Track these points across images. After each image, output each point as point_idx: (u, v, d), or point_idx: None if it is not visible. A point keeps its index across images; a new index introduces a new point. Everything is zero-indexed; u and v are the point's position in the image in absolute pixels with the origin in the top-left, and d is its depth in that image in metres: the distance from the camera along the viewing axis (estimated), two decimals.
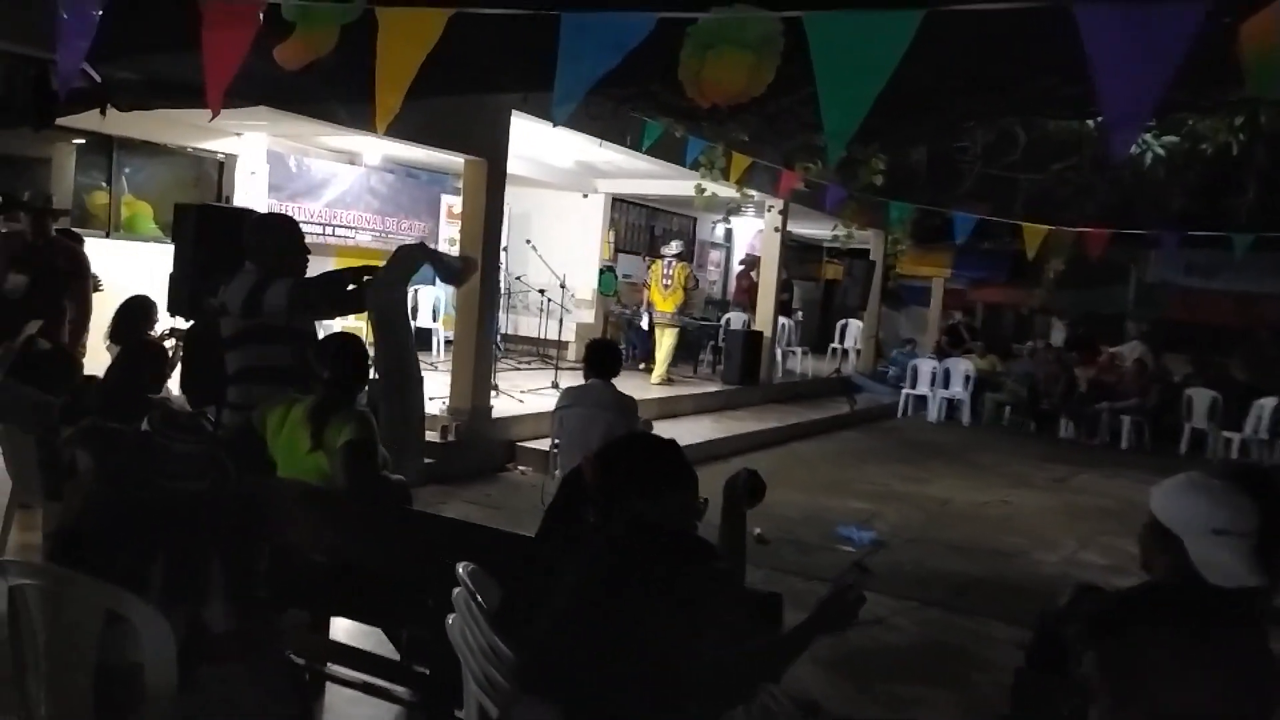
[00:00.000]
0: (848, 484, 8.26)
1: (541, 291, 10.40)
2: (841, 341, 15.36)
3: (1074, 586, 2.43)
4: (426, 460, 5.86)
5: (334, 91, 5.06)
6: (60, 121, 6.10)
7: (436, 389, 7.36)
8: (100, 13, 2.89)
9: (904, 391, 13.14)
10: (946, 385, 12.93)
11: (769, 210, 11.76)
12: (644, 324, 11.56)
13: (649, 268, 11.56)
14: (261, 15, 2.71)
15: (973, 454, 10.40)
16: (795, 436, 10.35)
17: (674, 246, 11.19)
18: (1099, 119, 6.72)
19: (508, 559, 2.57)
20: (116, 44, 3.64)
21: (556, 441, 5.26)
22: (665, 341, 10.85)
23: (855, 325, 15.24)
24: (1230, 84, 4.40)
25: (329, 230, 9.87)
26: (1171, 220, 10.25)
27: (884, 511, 7.29)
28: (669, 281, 10.86)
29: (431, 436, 6.79)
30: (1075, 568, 6.07)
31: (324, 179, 9.84)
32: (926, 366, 13.21)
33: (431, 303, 10.56)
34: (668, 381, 10.75)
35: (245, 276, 3.66)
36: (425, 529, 3.22)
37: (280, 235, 3.83)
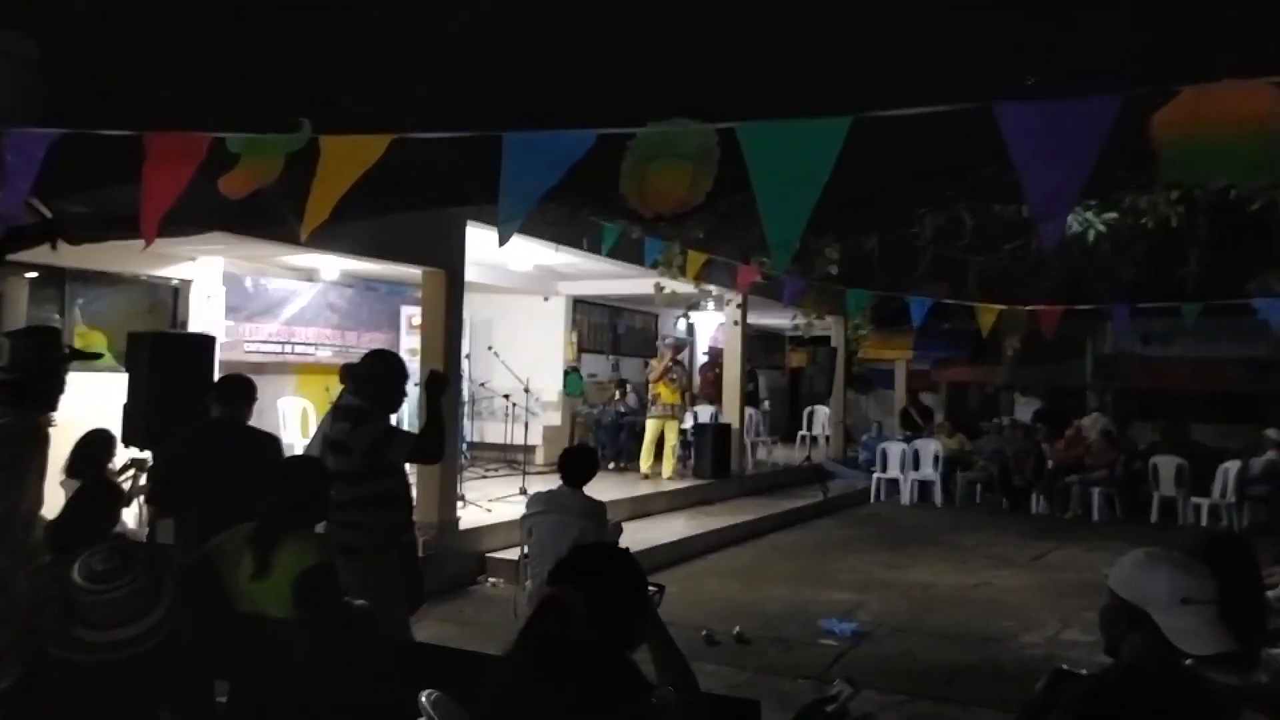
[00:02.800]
0: (829, 574, 8.14)
1: (506, 396, 10.35)
2: (810, 429, 15.39)
3: (1050, 672, 2.38)
4: None
5: (285, 210, 5.09)
6: (11, 257, 6.06)
7: None
8: (44, 154, 2.90)
9: (875, 476, 13.12)
10: (917, 467, 12.93)
11: (728, 304, 11.91)
12: (623, 418, 11.72)
13: (650, 363, 11.80)
14: (206, 148, 2.72)
15: (950, 535, 10.33)
16: (772, 528, 10.24)
17: (675, 340, 11.45)
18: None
19: (477, 682, 2.46)
20: (66, 179, 3.65)
21: (526, 550, 5.14)
22: (671, 436, 11.01)
23: (823, 411, 15.30)
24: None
25: (288, 348, 9.81)
26: (1123, 293, 10.51)
27: (867, 601, 7.17)
28: (675, 375, 11.06)
29: None
30: (1060, 648, 5.97)
31: (282, 297, 9.82)
32: (896, 449, 13.24)
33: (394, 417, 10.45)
34: (655, 475, 10.82)
35: (365, 419, 4.04)
36: (390, 657, 3.09)
37: (397, 373, 4.27)
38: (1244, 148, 1.83)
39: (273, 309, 9.71)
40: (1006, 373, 15.33)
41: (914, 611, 6.92)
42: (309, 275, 10.23)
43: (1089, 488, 11.79)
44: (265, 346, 9.56)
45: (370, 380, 4.23)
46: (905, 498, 12.74)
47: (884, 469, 13.08)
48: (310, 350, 10.08)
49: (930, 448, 13.01)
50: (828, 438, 15.09)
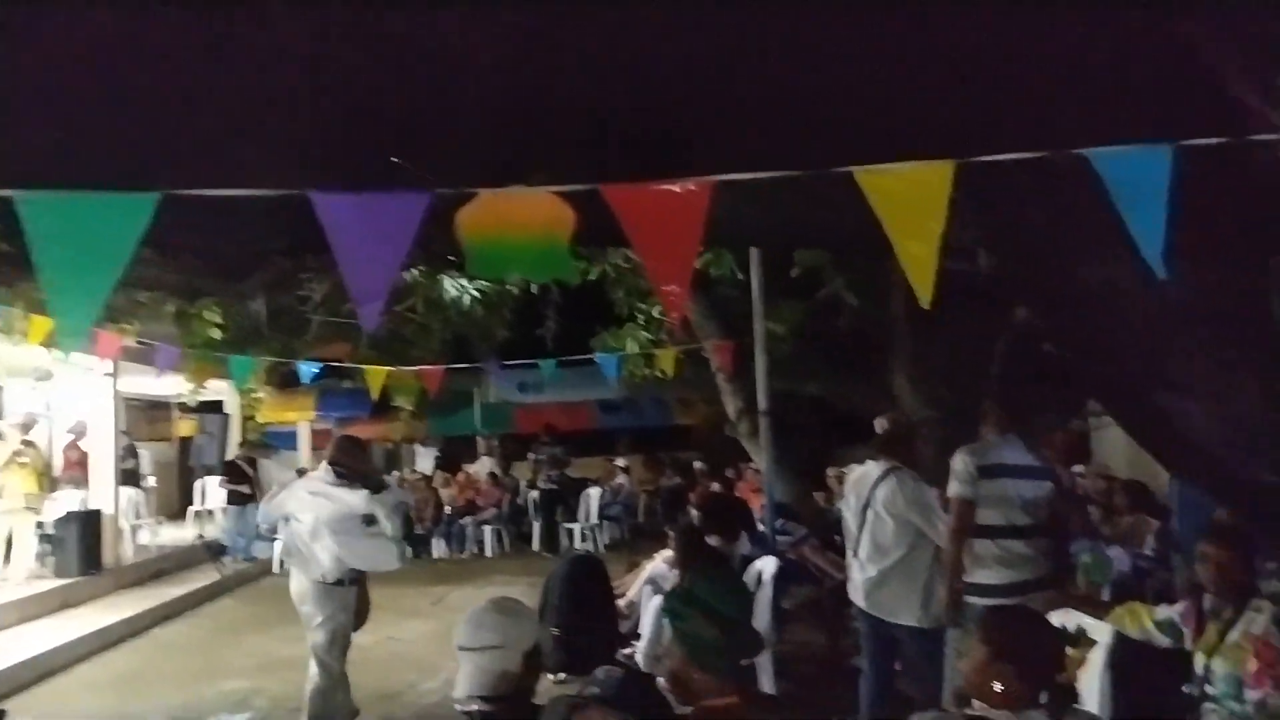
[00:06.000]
0: (224, 663, 7.52)
1: None
2: (204, 502, 14.16)
3: None
4: None
5: None
6: None
7: None
8: None
9: (276, 543, 12.53)
10: None
11: (89, 371, 10.46)
12: None
13: None
14: None
15: None
16: (157, 621, 9.15)
17: (22, 416, 9.41)
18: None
19: None
20: None
21: None
22: (24, 532, 9.02)
23: (216, 483, 14.19)
24: None
25: None
26: (498, 349, 11.71)
27: (265, 685, 6.79)
28: (27, 458, 9.06)
29: None
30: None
31: None
32: None
33: None
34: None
35: None
36: None
37: None
38: (533, 247, 2.18)
39: None
40: (404, 427, 15.95)
41: None
42: None
43: (480, 526, 12.80)
44: None
45: None
46: None
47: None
48: None
49: None
50: (225, 510, 14.00)
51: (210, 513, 14.08)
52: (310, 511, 5.06)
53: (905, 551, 4.54)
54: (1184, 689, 3.41)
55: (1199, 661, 3.39)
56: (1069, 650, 2.23)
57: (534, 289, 9.32)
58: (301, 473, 8.45)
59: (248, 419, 14.03)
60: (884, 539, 4.60)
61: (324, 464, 5.29)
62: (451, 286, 8.90)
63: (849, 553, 4.88)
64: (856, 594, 4.76)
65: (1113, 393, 3.87)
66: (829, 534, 7.27)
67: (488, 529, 12.77)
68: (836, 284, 7.94)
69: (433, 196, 2.09)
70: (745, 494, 9.89)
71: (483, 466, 13.95)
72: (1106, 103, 2.48)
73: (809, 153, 2.46)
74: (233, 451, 13.91)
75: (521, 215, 2.15)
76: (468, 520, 12.87)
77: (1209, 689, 3.33)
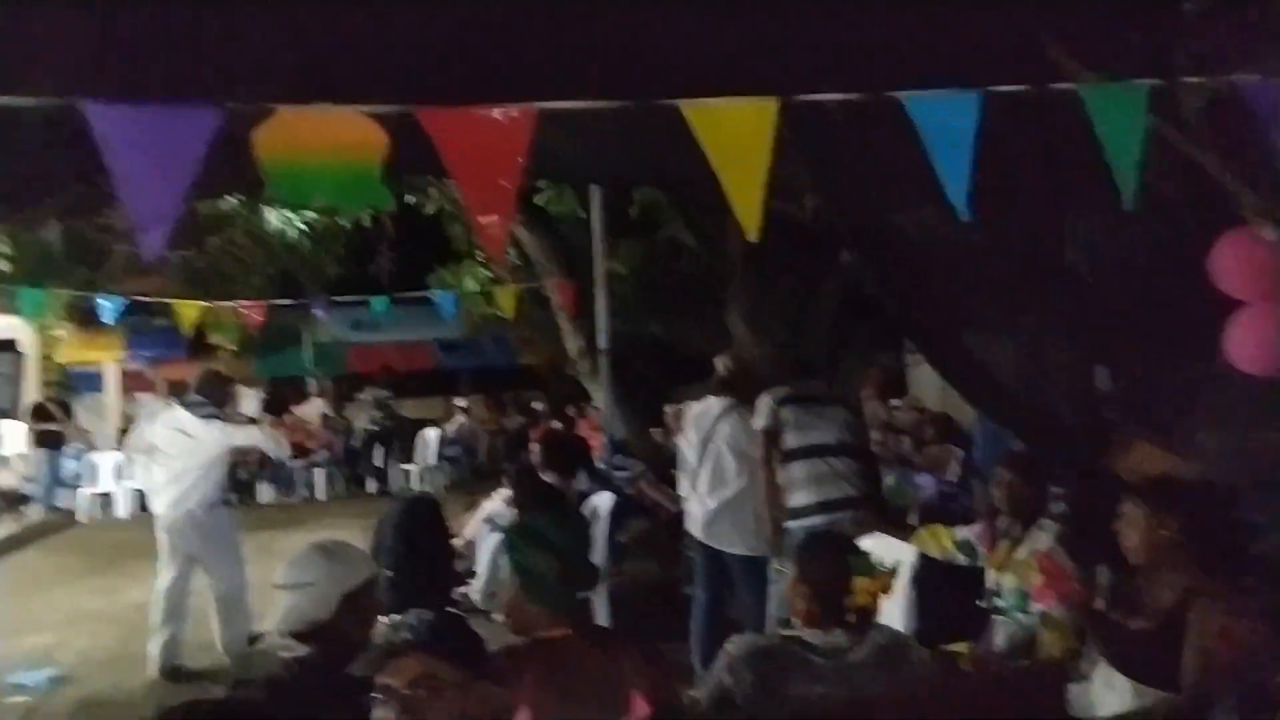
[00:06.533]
0: (24, 617, 6.97)
1: None
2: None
3: None
4: None
5: None
6: None
7: None
8: None
9: (82, 491, 11.68)
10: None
11: None
12: None
13: None
14: None
15: None
16: None
17: None
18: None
19: None
20: None
21: None
22: None
23: (12, 427, 13.00)
24: None
25: None
26: (329, 286, 11.20)
27: (71, 639, 6.35)
28: None
29: None
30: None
31: None
32: (109, 460, 11.97)
33: None
34: None
35: None
36: None
37: None
38: (340, 171, 2.04)
39: None
40: (224, 368, 15.07)
41: (128, 638, 6.35)
42: None
43: (311, 469, 12.34)
44: None
45: None
46: (122, 510, 11.62)
47: (96, 482, 11.73)
48: None
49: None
50: (23, 457, 12.88)
51: (5, 459, 12.92)
52: (175, 446, 5.41)
53: (744, 484, 4.70)
54: (979, 603, 3.72)
55: (991, 577, 3.70)
56: (875, 573, 2.35)
57: (366, 223, 8.92)
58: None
59: (47, 359, 12.86)
60: (724, 473, 4.76)
61: (185, 397, 5.64)
62: (275, 218, 8.39)
63: (687, 486, 5.01)
64: (695, 526, 4.90)
65: (921, 332, 4.09)
66: (666, 469, 7.43)
67: (319, 472, 12.34)
68: (675, 226, 8.03)
69: (224, 112, 1.91)
70: (586, 432, 9.96)
71: (313, 408, 13.39)
72: (921, 48, 2.56)
73: (636, 85, 2.42)
74: (31, 395, 12.77)
75: (327, 137, 2.01)
76: (297, 463, 12.37)
77: (999, 602, 3.63)
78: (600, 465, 7.41)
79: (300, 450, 12.57)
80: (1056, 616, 3.31)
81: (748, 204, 2.10)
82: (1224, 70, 2.47)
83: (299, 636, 2.26)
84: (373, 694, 1.89)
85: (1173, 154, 2.74)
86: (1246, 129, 2.53)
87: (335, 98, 2.07)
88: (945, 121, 2.10)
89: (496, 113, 2.02)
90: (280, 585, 2.27)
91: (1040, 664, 3.12)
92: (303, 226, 8.63)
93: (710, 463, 4.79)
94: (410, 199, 8.57)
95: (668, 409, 9.24)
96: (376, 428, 12.60)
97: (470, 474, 13.31)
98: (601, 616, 5.33)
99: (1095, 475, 3.83)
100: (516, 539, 2.46)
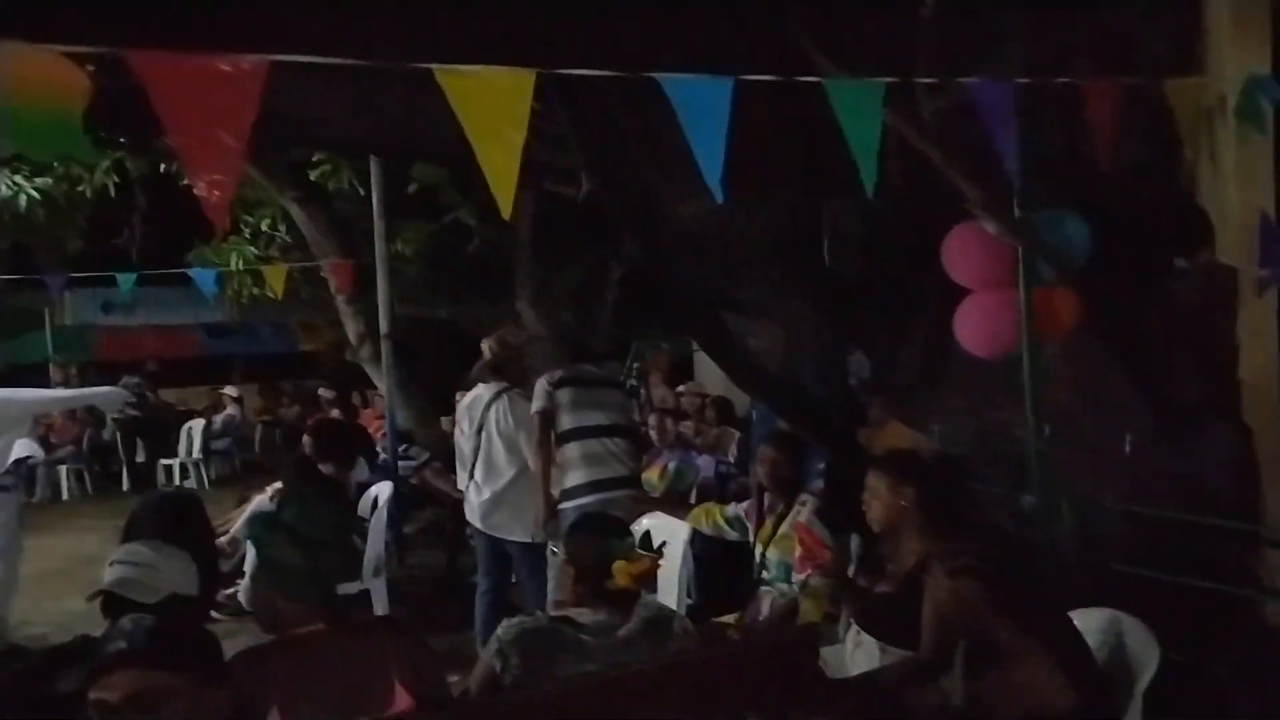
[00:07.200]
0: None
1: None
2: None
3: None
4: None
5: None
6: None
7: None
8: None
9: None
10: None
11: None
12: None
13: None
14: None
15: None
16: None
17: None
18: None
19: None
20: None
21: None
22: None
23: None
24: None
25: None
26: (69, 262, 10.07)
27: None
28: None
29: None
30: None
31: None
32: None
33: None
34: None
35: None
36: None
37: None
38: (31, 117, 1.79)
39: None
40: None
41: None
42: None
43: (55, 467, 11.13)
44: None
45: None
46: None
47: None
48: None
49: None
50: None
51: None
52: None
53: (518, 470, 4.66)
54: (750, 576, 3.88)
55: (758, 551, 3.87)
56: (633, 556, 2.38)
57: (112, 192, 8.08)
58: None
59: None
60: (498, 460, 4.70)
61: None
62: (3, 184, 7.44)
63: (465, 476, 4.92)
64: (474, 515, 4.82)
65: (689, 314, 4.21)
66: (453, 458, 7.28)
67: (64, 469, 11.13)
68: (464, 211, 7.84)
69: None
70: (370, 421, 9.55)
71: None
72: (681, 33, 2.60)
73: (394, 50, 2.30)
74: None
75: (15, 78, 1.75)
76: (35, 460, 11.08)
77: (765, 574, 3.81)
78: (382, 455, 7.14)
79: (43, 445, 11.28)
80: (815, 584, 3.50)
81: (503, 179, 2.04)
82: (955, 72, 2.67)
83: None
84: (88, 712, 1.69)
85: (913, 149, 2.94)
86: (975, 128, 2.74)
87: (35, 36, 1.81)
88: (701, 105, 2.14)
89: (223, 63, 1.83)
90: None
91: (798, 629, 3.28)
92: (35, 194, 7.69)
93: (484, 451, 4.74)
94: (167, 167, 7.86)
95: (459, 396, 9.05)
96: (128, 419, 11.51)
97: (241, 468, 12.47)
98: (381, 608, 5.14)
99: (850, 452, 4.09)
100: (261, 530, 2.31)
